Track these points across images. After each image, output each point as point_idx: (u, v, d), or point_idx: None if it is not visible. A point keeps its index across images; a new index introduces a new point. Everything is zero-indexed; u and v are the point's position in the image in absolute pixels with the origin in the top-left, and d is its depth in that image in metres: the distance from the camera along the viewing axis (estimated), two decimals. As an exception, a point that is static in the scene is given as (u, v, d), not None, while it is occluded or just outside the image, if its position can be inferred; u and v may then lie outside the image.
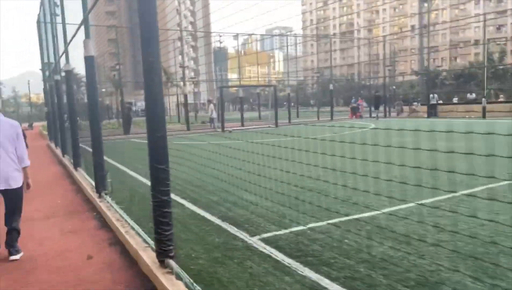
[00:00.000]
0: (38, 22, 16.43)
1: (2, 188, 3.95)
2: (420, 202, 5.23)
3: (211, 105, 24.45)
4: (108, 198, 5.58)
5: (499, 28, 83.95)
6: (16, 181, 4.05)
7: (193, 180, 6.81)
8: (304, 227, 4.38)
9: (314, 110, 43.26)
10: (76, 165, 8.68)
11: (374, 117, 26.26)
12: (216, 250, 3.83)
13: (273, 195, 5.66)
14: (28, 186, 4.27)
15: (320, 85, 47.67)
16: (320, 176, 6.54)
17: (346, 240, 3.94)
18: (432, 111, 24.55)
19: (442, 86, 38.70)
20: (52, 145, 16.04)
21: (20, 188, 4.13)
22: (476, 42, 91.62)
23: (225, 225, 4.59)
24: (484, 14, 34.58)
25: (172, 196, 4.69)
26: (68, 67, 8.17)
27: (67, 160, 10.64)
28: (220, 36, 64.05)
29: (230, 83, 59.15)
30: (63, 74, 11.17)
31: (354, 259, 3.49)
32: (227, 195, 5.85)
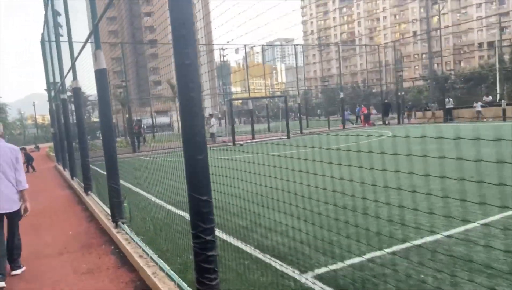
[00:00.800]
0: (42, 41, 16.03)
1: (3, 211, 4.15)
2: (484, 221, 4.55)
3: (212, 119, 23.78)
4: (127, 228, 4.92)
5: (502, 30, 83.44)
6: (17, 204, 4.28)
7: (214, 202, 6.14)
8: (362, 258, 3.69)
9: (321, 119, 42.63)
10: (87, 189, 8.05)
11: (387, 124, 25.55)
12: (266, 294, 3.15)
13: (314, 217, 4.98)
14: (25, 209, 4.39)
15: (326, 94, 47.14)
16: (357, 192, 5.84)
17: (421, 275, 3.24)
18: (448, 116, 23.80)
19: (452, 90, 37.96)
20: (60, 167, 15.47)
21: (20, 210, 4.34)
22: (480, 45, 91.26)
23: (266, 258, 3.90)
24: (499, 14, 33.96)
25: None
26: (76, 84, 7.62)
27: (76, 183, 10.02)
28: (224, 49, 63.92)
29: (234, 97, 58.72)
30: (69, 94, 10.68)
31: (443, 302, 2.80)
32: (257, 218, 5.15)
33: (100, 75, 5.01)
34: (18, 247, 4.35)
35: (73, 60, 7.73)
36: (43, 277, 4.10)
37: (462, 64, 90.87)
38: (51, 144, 25.11)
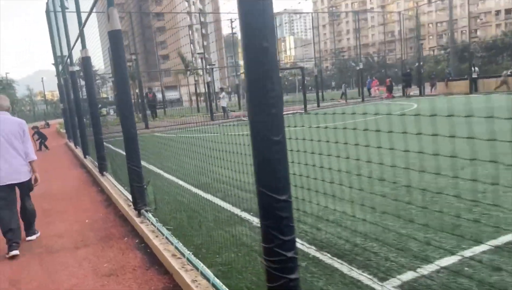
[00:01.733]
0: (47, 11, 15.12)
1: (13, 182, 4.24)
2: None
3: (223, 93, 23.15)
4: (152, 218, 4.23)
5: (524, -5, 79.60)
6: (26, 175, 4.37)
7: (249, 186, 5.39)
8: (458, 257, 2.94)
9: (335, 92, 41.44)
10: (101, 169, 7.39)
11: (409, 96, 24.41)
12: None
13: (375, 202, 4.24)
14: (35, 180, 4.51)
15: (340, 65, 45.65)
16: (421, 168, 5.03)
17: (546, 287, 2.49)
18: (473, 86, 22.58)
19: (473, 59, 36.29)
20: (71, 144, 14.89)
21: (30, 180, 4.45)
22: (498, 13, 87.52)
23: (326, 258, 3.18)
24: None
25: (233, 209, 3.35)
26: (86, 53, 6.81)
27: (89, 162, 9.38)
28: (232, 21, 61.99)
29: (241, 69, 57.16)
30: (77, 68, 9.91)
31: None
32: (304, 205, 4.38)
33: (115, 38, 4.20)
34: (32, 213, 4.56)
35: (81, 26, 6.90)
36: (58, 279, 3.44)
37: (478, 32, 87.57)
38: (61, 120, 24.56)
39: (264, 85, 1.63)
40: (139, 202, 4.50)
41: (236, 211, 4.61)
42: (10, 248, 4.05)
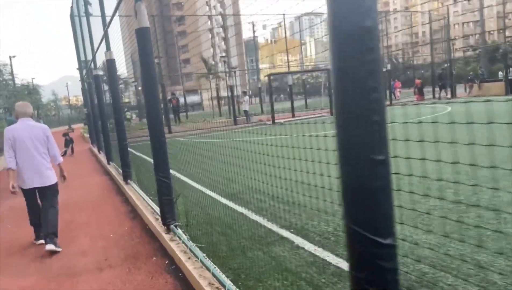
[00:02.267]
0: (72, 15, 15.08)
1: (37, 185, 4.33)
2: None
3: (246, 97, 22.97)
4: (183, 235, 3.79)
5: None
6: (50, 179, 4.42)
7: (286, 197, 4.85)
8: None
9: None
10: (126, 177, 7.04)
11: (441, 99, 23.40)
12: None
13: (436, 222, 3.69)
14: (64, 178, 4.70)
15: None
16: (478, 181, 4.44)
17: None
18: (509, 88, 21.44)
19: (507, 60, 34.74)
20: (95, 149, 14.75)
21: (54, 185, 4.50)
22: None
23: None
24: None
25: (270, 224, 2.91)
26: (110, 55, 6.48)
27: (113, 169, 9.09)
28: (254, 25, 61.75)
29: (261, 73, 56.46)
30: (100, 72, 9.68)
31: None
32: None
33: (143, 36, 3.81)
34: (53, 225, 4.34)
35: (106, 27, 6.59)
36: (80, 308, 3.03)
37: (507, 32, 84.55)
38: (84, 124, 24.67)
39: (363, 82, 1.14)
40: (168, 217, 4.08)
41: (274, 227, 4.13)
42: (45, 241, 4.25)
